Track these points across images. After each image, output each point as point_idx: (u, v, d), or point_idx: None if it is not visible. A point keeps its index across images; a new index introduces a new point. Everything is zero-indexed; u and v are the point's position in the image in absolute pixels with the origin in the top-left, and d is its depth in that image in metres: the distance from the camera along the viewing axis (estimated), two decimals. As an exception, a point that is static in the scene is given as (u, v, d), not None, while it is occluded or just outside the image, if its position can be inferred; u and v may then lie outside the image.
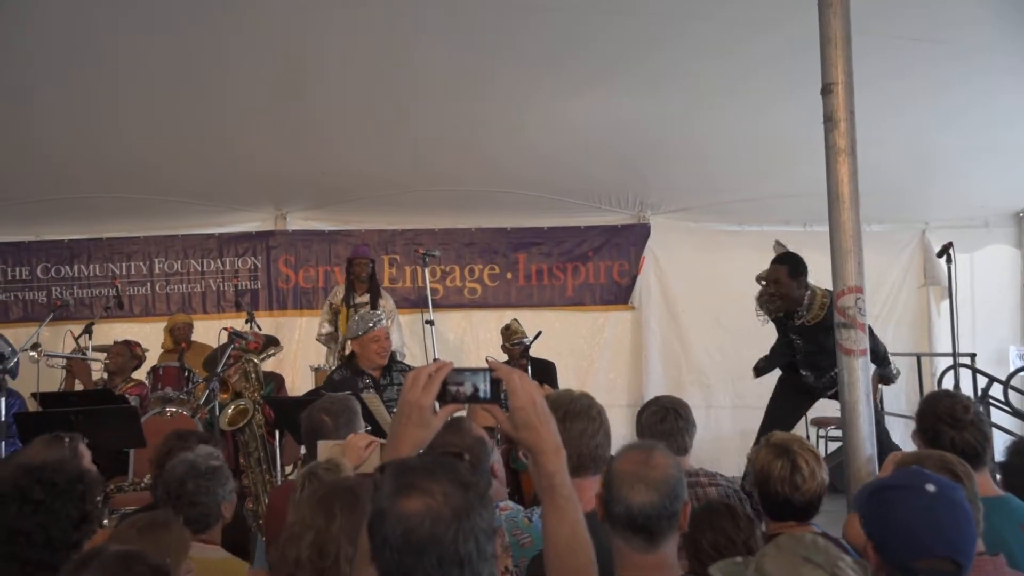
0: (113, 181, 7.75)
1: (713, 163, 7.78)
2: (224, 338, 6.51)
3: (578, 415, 2.84)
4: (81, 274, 8.89)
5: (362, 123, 6.83)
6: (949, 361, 6.75)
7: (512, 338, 7.38)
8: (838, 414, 3.85)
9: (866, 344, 3.70)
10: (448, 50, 5.94)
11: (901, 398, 8.62)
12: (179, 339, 7.85)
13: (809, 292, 5.66)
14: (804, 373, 5.92)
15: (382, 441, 3.05)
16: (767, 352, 6.29)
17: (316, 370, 7.60)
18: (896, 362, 6.17)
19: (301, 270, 9.02)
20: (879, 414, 5.88)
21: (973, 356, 7.63)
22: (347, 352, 6.14)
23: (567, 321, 9.02)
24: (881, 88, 5.60)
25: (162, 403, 6.58)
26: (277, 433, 6.11)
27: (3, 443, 5.35)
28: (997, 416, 7.23)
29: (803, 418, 7.67)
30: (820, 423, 8.18)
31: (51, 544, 2.30)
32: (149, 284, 8.95)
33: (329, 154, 7.44)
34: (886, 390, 6.87)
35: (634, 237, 9.05)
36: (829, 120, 3.71)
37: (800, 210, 8.24)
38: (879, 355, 5.85)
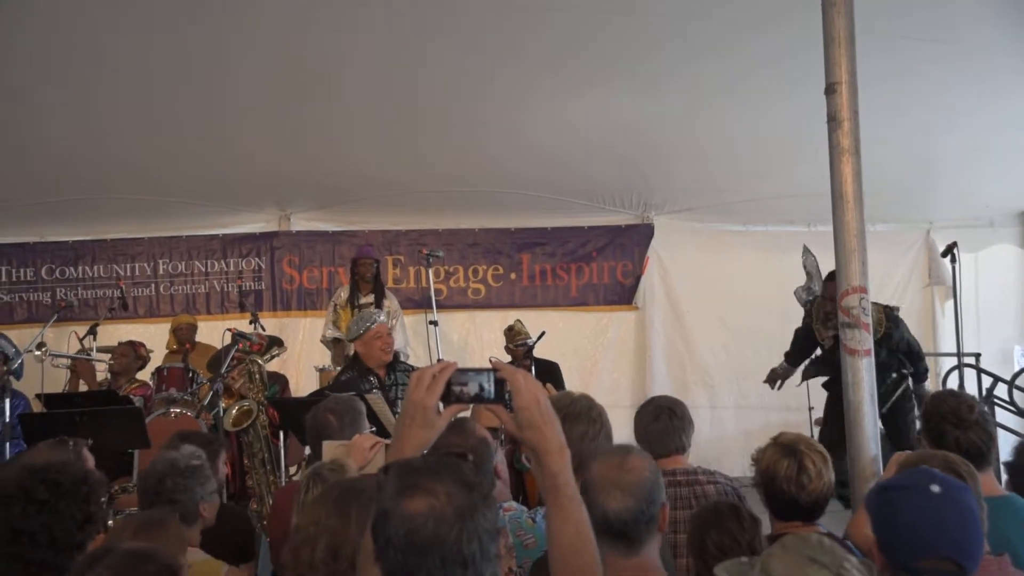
0: (117, 182, 7.76)
1: (716, 163, 7.78)
2: (228, 339, 6.53)
3: (578, 417, 2.84)
4: (85, 275, 8.91)
5: (365, 124, 6.84)
6: (954, 361, 6.74)
7: (515, 339, 7.38)
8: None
9: (870, 344, 3.69)
10: (450, 50, 5.95)
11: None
12: (183, 340, 7.86)
13: None
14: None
15: (387, 442, 3.05)
16: (785, 350, 6.25)
17: (321, 371, 7.60)
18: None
19: (305, 271, 9.03)
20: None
21: (978, 356, 7.61)
22: (351, 353, 6.13)
23: (571, 321, 9.01)
24: (885, 88, 5.58)
25: (166, 404, 6.59)
26: (281, 434, 6.11)
27: (8, 444, 5.37)
28: (1002, 416, 7.21)
29: (808, 417, 7.67)
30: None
31: (55, 544, 2.30)
32: (153, 285, 8.96)
33: (332, 155, 7.44)
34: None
35: (638, 237, 9.04)
36: (833, 120, 3.70)
37: (804, 210, 8.24)
38: (916, 353, 5.88)
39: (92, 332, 7.61)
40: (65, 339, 7.78)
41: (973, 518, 2.10)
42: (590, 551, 1.80)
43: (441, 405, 1.82)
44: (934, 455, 2.72)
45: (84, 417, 5.00)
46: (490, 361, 1.87)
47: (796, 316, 7.51)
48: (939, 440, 3.12)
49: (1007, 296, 9.15)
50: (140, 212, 8.41)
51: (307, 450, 4.89)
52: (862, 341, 3.64)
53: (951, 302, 6.54)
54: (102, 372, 7.40)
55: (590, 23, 5.64)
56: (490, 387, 1.81)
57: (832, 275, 5.52)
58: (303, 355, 8.66)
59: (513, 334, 7.42)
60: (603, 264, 9.10)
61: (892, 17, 5.22)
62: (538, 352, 7.33)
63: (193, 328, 8.02)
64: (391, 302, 7.85)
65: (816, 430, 8.14)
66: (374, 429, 3.93)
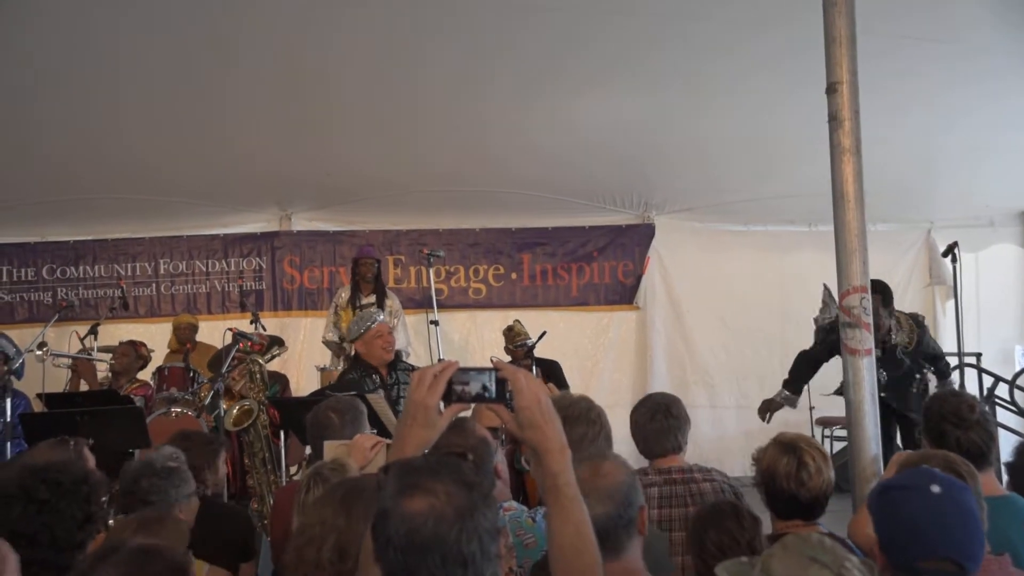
0: (117, 182, 7.77)
1: (717, 163, 7.78)
2: (229, 339, 6.53)
3: (577, 419, 2.84)
4: (86, 275, 8.91)
5: (365, 123, 6.84)
6: (954, 361, 6.74)
7: (515, 340, 7.37)
8: (843, 413, 3.84)
9: (871, 344, 3.69)
10: (450, 50, 5.95)
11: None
12: (183, 340, 7.86)
13: (894, 319, 5.62)
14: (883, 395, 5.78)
15: (388, 441, 3.04)
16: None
17: (321, 370, 7.60)
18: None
19: (306, 271, 9.03)
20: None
21: (979, 356, 7.62)
22: (352, 354, 6.12)
23: (572, 321, 9.02)
24: (886, 88, 5.59)
25: (167, 404, 6.60)
26: (282, 433, 6.12)
27: (9, 444, 5.37)
28: (1003, 416, 7.22)
29: (809, 417, 7.67)
30: (825, 422, 8.18)
31: (56, 544, 2.30)
32: (154, 285, 8.96)
33: (333, 154, 7.44)
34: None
35: (638, 237, 9.04)
36: (834, 119, 3.70)
37: (805, 210, 8.25)
38: (938, 354, 5.87)
39: (93, 332, 7.61)
40: (66, 339, 7.78)
41: (974, 518, 2.09)
42: (591, 551, 1.80)
43: (442, 404, 1.82)
44: (934, 455, 2.72)
45: (85, 417, 5.01)
46: (491, 361, 1.87)
47: (796, 316, 7.52)
48: (940, 440, 3.12)
49: (1008, 296, 9.16)
50: (141, 212, 8.41)
51: (308, 450, 4.89)
52: (863, 341, 3.64)
53: (952, 302, 6.55)
54: (103, 372, 7.40)
55: (591, 23, 5.64)
56: (492, 386, 1.81)
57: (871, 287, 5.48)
58: (304, 355, 8.66)
59: (512, 335, 7.42)
60: (604, 264, 9.11)
61: (892, 17, 5.22)
62: (539, 352, 7.33)
63: (192, 328, 8.02)
64: (392, 302, 7.86)
65: (817, 430, 8.16)
66: (375, 430, 3.93)
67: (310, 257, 9.03)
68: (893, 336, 5.63)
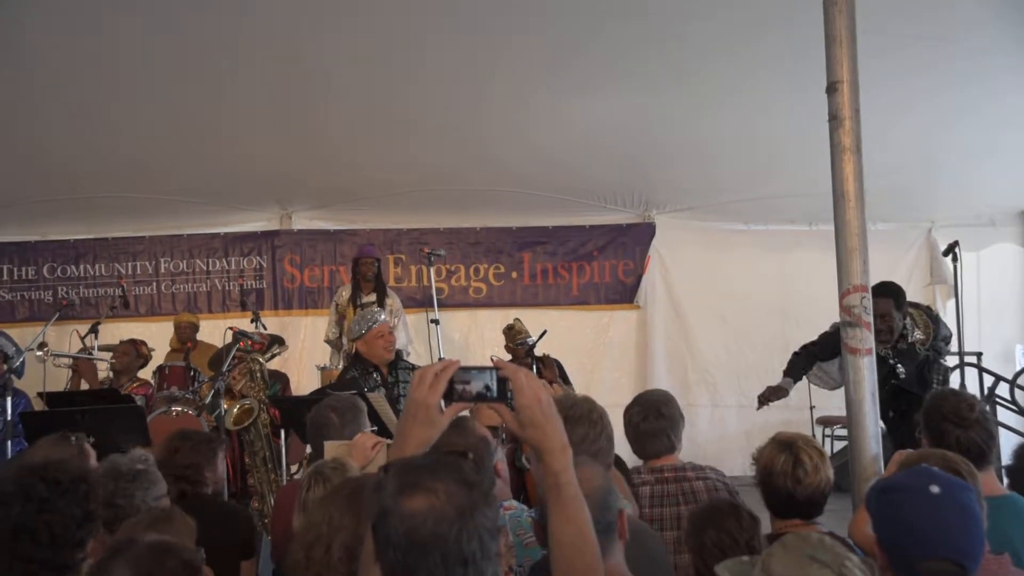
0: (118, 181, 7.77)
1: (718, 162, 7.78)
2: (229, 338, 6.53)
3: (578, 420, 2.83)
4: (87, 274, 8.92)
5: (366, 122, 6.84)
6: (955, 360, 6.74)
7: (516, 338, 7.37)
8: (843, 412, 3.84)
9: (871, 343, 3.68)
10: (450, 49, 5.95)
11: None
12: (184, 339, 7.87)
13: (908, 319, 5.61)
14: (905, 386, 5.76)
15: (388, 441, 3.04)
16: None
17: (322, 369, 7.61)
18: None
19: (306, 269, 9.03)
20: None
21: (979, 355, 7.61)
22: (353, 352, 6.13)
23: (572, 320, 9.02)
24: (887, 87, 5.59)
25: (168, 402, 6.60)
26: (282, 432, 6.12)
27: (9, 442, 5.37)
28: (1003, 415, 7.22)
29: (809, 417, 7.68)
30: (826, 422, 8.17)
31: (55, 543, 2.30)
32: (155, 284, 8.97)
33: (333, 154, 7.45)
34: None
35: (639, 236, 9.05)
36: (834, 118, 3.70)
37: (805, 209, 8.24)
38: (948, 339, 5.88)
39: (93, 330, 7.61)
40: (66, 337, 7.79)
41: (974, 518, 2.09)
42: (592, 551, 1.80)
43: (443, 403, 1.82)
44: (934, 454, 2.72)
45: (85, 415, 5.00)
46: (492, 359, 1.87)
47: (797, 315, 7.52)
48: (940, 439, 3.11)
49: (1009, 295, 9.15)
50: (141, 211, 8.41)
51: (308, 448, 4.89)
52: (863, 340, 3.63)
53: (952, 301, 6.53)
54: (103, 371, 7.40)
55: (591, 23, 5.64)
56: (493, 385, 1.81)
57: (883, 290, 5.35)
58: (304, 354, 8.66)
59: (513, 333, 7.42)
60: (604, 263, 9.11)
61: (893, 17, 5.21)
62: (539, 351, 7.32)
63: (193, 328, 8.02)
64: (393, 301, 7.86)
65: (818, 429, 8.16)
66: (375, 428, 3.93)
67: (311, 256, 9.04)
68: (909, 336, 5.61)
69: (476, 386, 1.81)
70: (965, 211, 8.84)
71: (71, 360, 7.26)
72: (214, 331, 7.90)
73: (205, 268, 9.00)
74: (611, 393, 8.30)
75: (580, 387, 7.58)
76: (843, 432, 7.48)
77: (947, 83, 6.40)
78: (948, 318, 8.54)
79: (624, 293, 9.09)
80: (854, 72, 3.67)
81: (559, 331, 8.43)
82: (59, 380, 7.24)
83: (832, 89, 3.70)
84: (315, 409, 3.76)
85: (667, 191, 8.73)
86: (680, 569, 3.01)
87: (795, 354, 6.00)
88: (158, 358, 7.57)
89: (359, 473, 2.79)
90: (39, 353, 6.80)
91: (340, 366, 7.17)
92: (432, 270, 7.18)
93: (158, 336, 8.19)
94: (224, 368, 6.27)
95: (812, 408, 7.48)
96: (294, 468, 6.51)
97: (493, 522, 1.56)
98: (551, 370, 6.72)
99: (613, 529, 2.21)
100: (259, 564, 3.86)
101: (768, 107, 6.62)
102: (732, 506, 2.76)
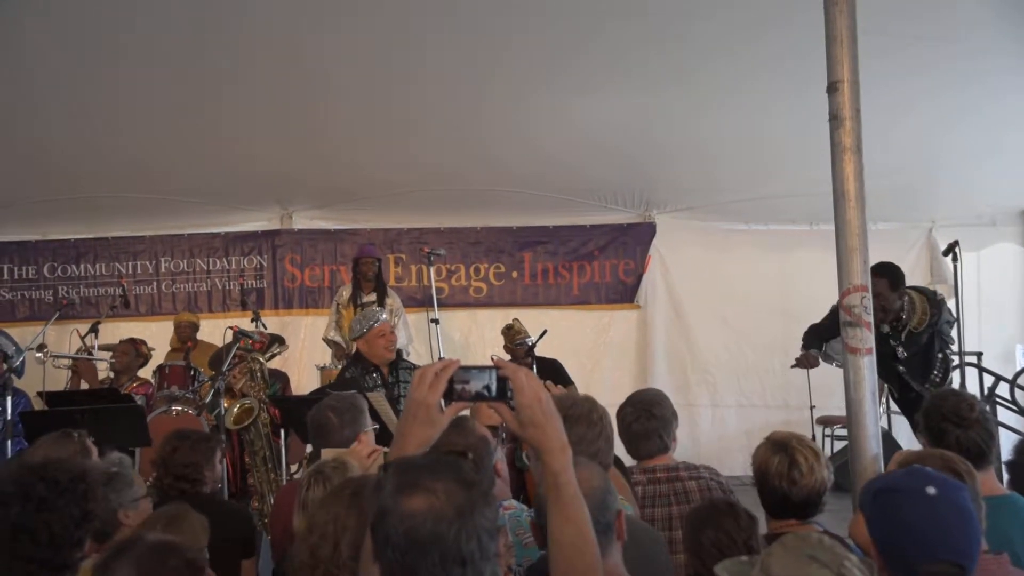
0: (118, 181, 7.77)
1: (719, 162, 7.78)
2: (230, 337, 6.53)
3: (578, 420, 2.82)
4: (87, 273, 8.92)
5: (366, 122, 6.84)
6: (955, 360, 6.74)
7: (515, 338, 7.37)
8: (843, 412, 3.84)
9: (871, 343, 3.68)
10: (450, 49, 5.95)
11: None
12: (184, 338, 7.87)
13: (907, 299, 5.59)
14: (906, 380, 5.75)
15: (385, 449, 3.03)
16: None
17: (322, 369, 7.61)
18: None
19: (307, 269, 9.04)
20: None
21: (979, 355, 7.61)
22: (353, 351, 6.13)
23: (572, 320, 9.02)
24: (887, 87, 5.59)
25: (168, 402, 6.61)
26: (282, 432, 6.12)
27: (9, 442, 5.37)
28: (1004, 415, 7.21)
29: (810, 417, 7.66)
30: (826, 422, 8.17)
31: (54, 542, 2.30)
32: (155, 283, 8.97)
33: (334, 153, 7.45)
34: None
35: (640, 236, 9.05)
36: (835, 118, 3.69)
37: (805, 209, 8.24)
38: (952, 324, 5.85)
39: (94, 330, 7.62)
40: (67, 337, 7.80)
41: (971, 518, 2.08)
42: (591, 551, 1.80)
43: (443, 403, 1.82)
44: (932, 454, 2.71)
45: (86, 415, 5.01)
46: (492, 359, 1.87)
47: (797, 315, 7.49)
48: (939, 439, 3.11)
49: (1009, 295, 9.14)
50: (142, 210, 8.42)
51: (308, 448, 4.90)
52: (863, 340, 3.63)
53: (953, 301, 6.53)
54: (104, 370, 7.41)
55: (592, 23, 5.64)
56: (493, 385, 1.81)
57: (877, 270, 5.21)
58: (304, 353, 8.67)
59: (512, 333, 7.42)
60: (605, 263, 9.11)
61: (894, 17, 5.21)
62: (539, 351, 7.33)
63: (193, 327, 8.02)
64: (393, 300, 7.87)
65: (818, 429, 8.16)
66: (376, 427, 3.93)
67: (311, 255, 9.04)
68: (904, 319, 5.60)
69: (476, 385, 1.81)
70: (966, 211, 8.84)
71: (71, 361, 7.26)
72: (214, 330, 7.90)
73: (205, 268, 9.00)
74: (611, 393, 8.25)
75: (580, 387, 7.57)
76: (843, 432, 7.48)
77: (948, 83, 6.40)
78: (948, 318, 8.60)
79: (624, 293, 9.09)
80: (855, 72, 3.67)
81: (560, 331, 8.43)
82: (59, 380, 7.24)
83: (833, 89, 3.70)
84: (315, 409, 3.75)
85: (667, 191, 8.73)
86: (674, 569, 3.00)
87: (806, 332, 5.99)
88: (158, 357, 7.58)
89: (358, 473, 2.79)
90: (38, 355, 6.81)
91: (340, 367, 7.16)
92: (432, 270, 7.17)
93: (158, 335, 8.20)
94: (224, 367, 6.27)
95: (812, 408, 7.47)
96: (294, 468, 6.51)
97: (492, 522, 1.56)
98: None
99: (611, 529, 2.21)
100: (259, 563, 3.87)
101: (768, 107, 6.62)
102: (730, 505, 2.75)
